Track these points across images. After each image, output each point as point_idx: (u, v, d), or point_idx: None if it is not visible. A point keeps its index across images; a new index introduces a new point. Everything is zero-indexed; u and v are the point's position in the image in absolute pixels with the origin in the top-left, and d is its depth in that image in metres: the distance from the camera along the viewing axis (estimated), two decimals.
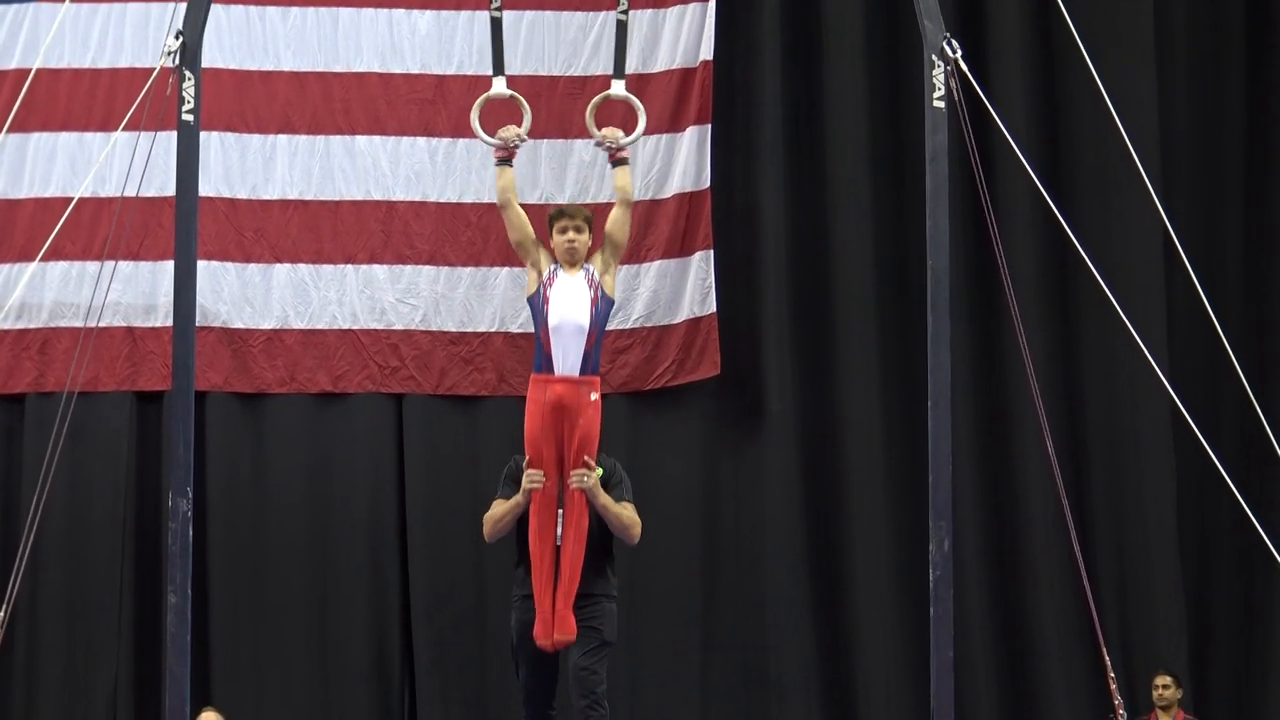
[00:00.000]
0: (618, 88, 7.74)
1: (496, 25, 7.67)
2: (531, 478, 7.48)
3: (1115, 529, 11.38)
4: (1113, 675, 7.43)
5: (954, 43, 7.28)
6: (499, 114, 7.55)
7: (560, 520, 7.46)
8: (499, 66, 7.64)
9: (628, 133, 7.64)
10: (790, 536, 11.20)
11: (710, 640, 11.17)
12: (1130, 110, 10.05)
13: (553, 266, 7.46)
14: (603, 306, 7.46)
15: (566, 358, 7.40)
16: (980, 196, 7.84)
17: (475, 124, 7.54)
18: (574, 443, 7.43)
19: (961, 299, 10.85)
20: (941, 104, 7.20)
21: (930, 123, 7.20)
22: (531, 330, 8.05)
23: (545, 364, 7.42)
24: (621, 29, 7.77)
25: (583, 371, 7.40)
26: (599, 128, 7.59)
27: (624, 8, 7.83)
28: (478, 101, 7.57)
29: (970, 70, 7.34)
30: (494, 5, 7.65)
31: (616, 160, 7.62)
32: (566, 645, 7.48)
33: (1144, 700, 10.95)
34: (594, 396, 7.45)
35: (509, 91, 7.58)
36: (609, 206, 7.56)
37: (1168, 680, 10.77)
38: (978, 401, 11.32)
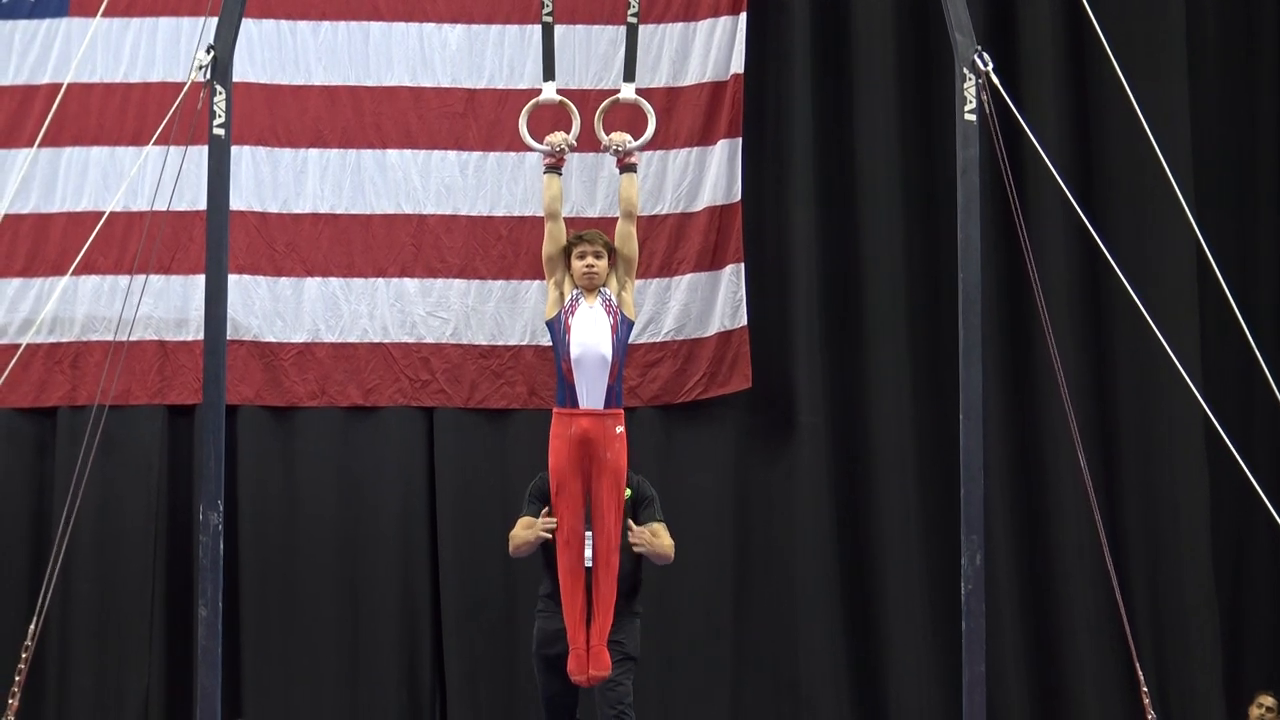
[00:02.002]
0: (628, 91, 7.72)
1: (548, 30, 7.67)
2: (546, 527, 7.50)
3: (1148, 541, 11.33)
4: (1146, 689, 7.40)
5: (985, 55, 7.27)
6: (545, 123, 7.54)
7: (589, 553, 7.46)
8: (549, 72, 7.63)
9: (636, 138, 7.61)
10: (822, 550, 11.17)
11: (741, 653, 11.15)
12: (1162, 121, 10.03)
13: (574, 292, 7.45)
14: (623, 332, 7.44)
15: (591, 391, 7.39)
16: (1012, 209, 7.82)
17: (524, 130, 7.53)
18: (603, 479, 7.41)
19: (993, 311, 10.83)
20: (973, 117, 7.20)
21: (961, 135, 7.19)
22: None
23: (569, 398, 7.40)
24: (631, 32, 7.75)
25: (607, 405, 7.39)
26: (608, 133, 7.58)
27: (634, 10, 7.82)
28: (526, 107, 7.56)
29: (1001, 83, 7.33)
30: (546, 11, 7.65)
31: (624, 166, 7.59)
32: (601, 680, 7.49)
33: (1176, 712, 10.92)
34: (619, 430, 7.43)
35: (559, 97, 7.56)
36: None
37: (1271, 701, 10.62)
38: (1010, 414, 11.29)
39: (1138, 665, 7.49)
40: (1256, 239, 11.67)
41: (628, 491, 7.57)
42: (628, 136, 7.60)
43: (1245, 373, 10.48)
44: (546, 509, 7.74)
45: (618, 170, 7.61)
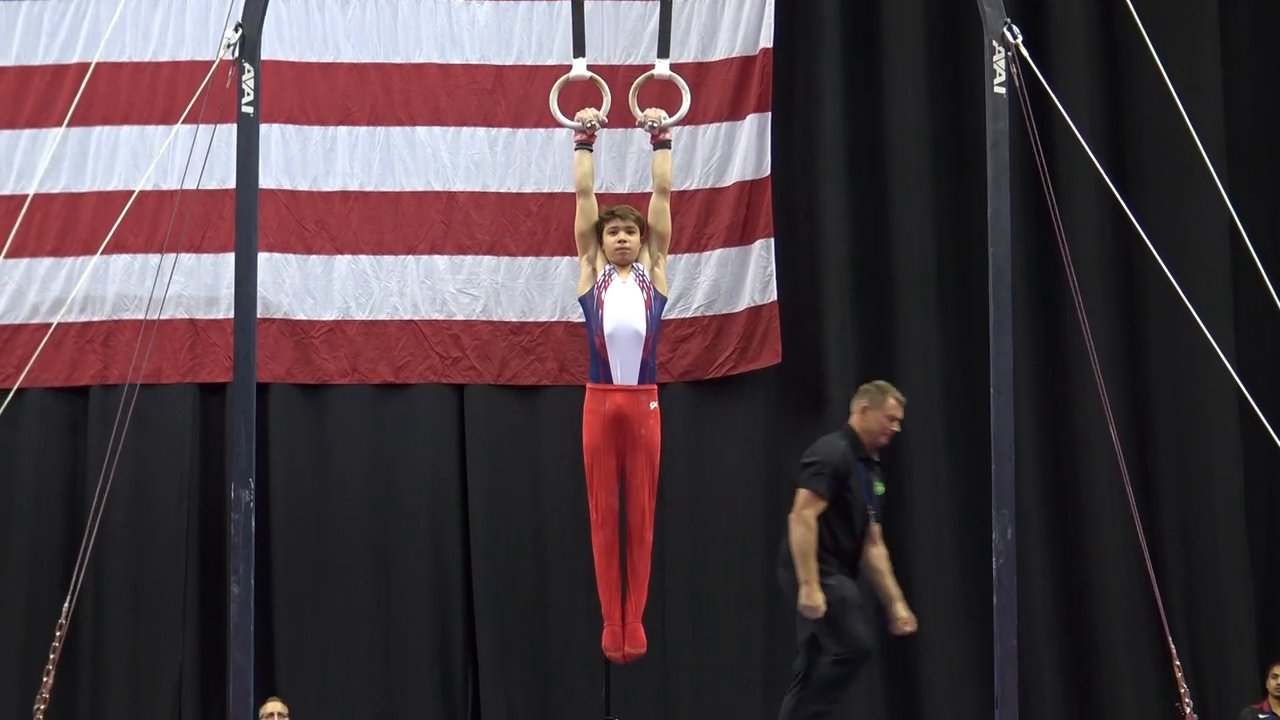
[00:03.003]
0: (662, 67, 7.68)
1: (578, 6, 7.64)
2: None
3: (1181, 517, 11.31)
4: (1178, 663, 7.37)
5: (1015, 28, 7.24)
6: (574, 99, 7.52)
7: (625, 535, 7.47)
8: (580, 48, 7.59)
9: (671, 114, 7.59)
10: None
11: (772, 629, 11.13)
12: (1195, 95, 10.00)
13: (607, 268, 7.43)
14: (656, 307, 7.42)
15: (624, 367, 7.37)
16: (1042, 183, 7.79)
17: (554, 107, 7.51)
18: (638, 456, 7.40)
19: (1024, 286, 10.78)
20: (1002, 90, 7.17)
21: (991, 109, 7.16)
22: None
23: (602, 373, 7.39)
24: (665, 7, 7.72)
25: (640, 380, 7.37)
26: (643, 109, 7.55)
27: None
28: (557, 83, 7.53)
29: (1031, 56, 7.29)
30: None
31: (658, 142, 7.57)
32: (637, 658, 7.51)
33: (1210, 688, 10.90)
34: (653, 405, 7.43)
35: (589, 74, 7.53)
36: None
37: None
38: (1040, 389, 11.27)
39: (1171, 642, 7.46)
40: None
41: None
42: (662, 113, 7.58)
43: (1279, 347, 10.45)
44: None
45: (651, 146, 7.59)
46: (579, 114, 7.49)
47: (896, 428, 8.44)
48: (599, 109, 7.49)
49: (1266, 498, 11.35)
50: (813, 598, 8.15)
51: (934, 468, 11.20)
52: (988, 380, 7.15)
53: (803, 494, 8.23)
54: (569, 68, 7.62)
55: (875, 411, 8.37)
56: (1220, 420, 11.18)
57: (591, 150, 7.54)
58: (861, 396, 8.41)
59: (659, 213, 7.49)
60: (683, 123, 8.11)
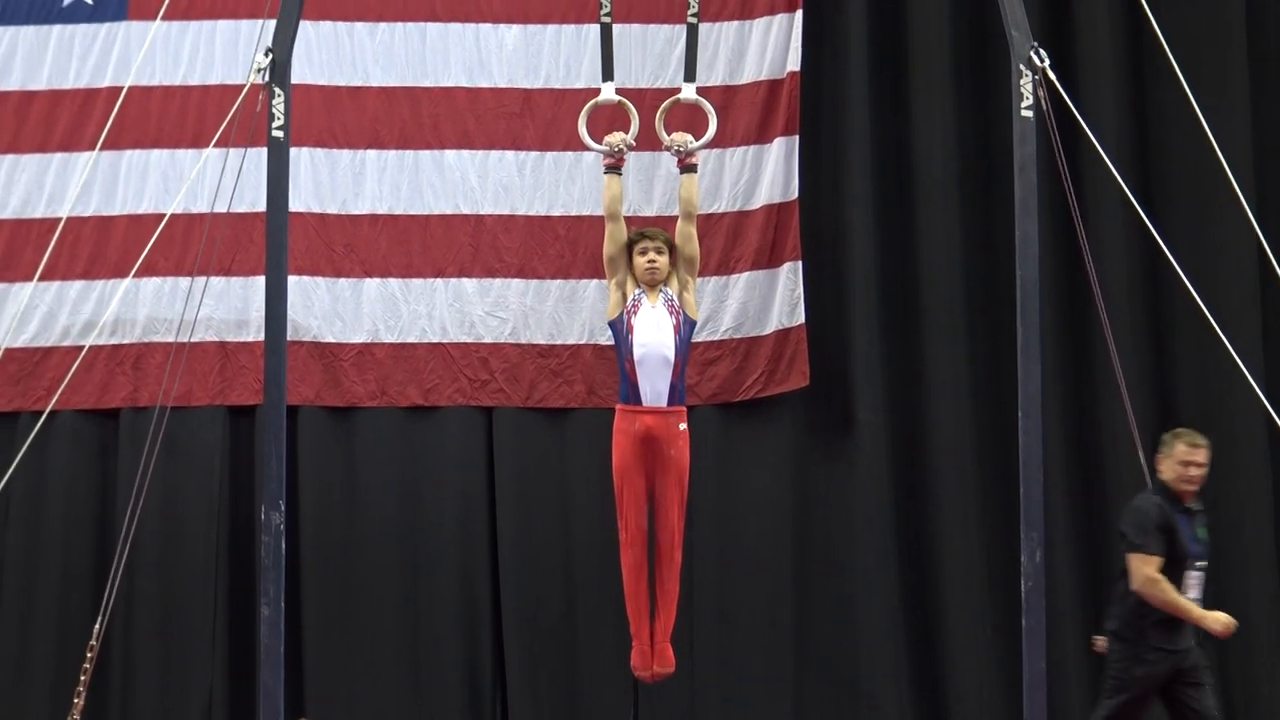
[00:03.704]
0: (688, 91, 7.73)
1: (606, 31, 7.69)
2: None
3: (1211, 539, 11.25)
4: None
5: (1041, 52, 7.27)
6: (602, 123, 7.55)
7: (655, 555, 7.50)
8: (608, 72, 7.64)
9: (698, 138, 7.62)
10: (881, 547, 11.15)
11: (802, 650, 11.14)
12: (1222, 118, 9.98)
13: (636, 292, 7.46)
14: (685, 331, 7.46)
15: (654, 389, 7.41)
16: (1069, 206, 7.80)
17: (583, 131, 7.54)
18: (668, 476, 7.43)
19: (1051, 309, 10.79)
20: (1029, 113, 7.19)
21: (1018, 132, 7.19)
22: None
23: (632, 394, 7.43)
24: (692, 32, 7.76)
25: (670, 402, 7.41)
26: (669, 133, 7.58)
27: (694, 10, 7.84)
28: (585, 107, 7.57)
29: (1058, 79, 7.31)
30: (604, 11, 7.66)
31: (685, 166, 7.62)
32: (665, 678, 7.53)
33: (1239, 710, 10.86)
34: (682, 427, 7.46)
35: (618, 98, 7.57)
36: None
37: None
38: (1069, 412, 11.25)
39: None
40: None
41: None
42: (689, 137, 7.62)
43: None
44: None
45: (678, 170, 7.62)
46: (607, 138, 7.54)
47: (1197, 471, 8.29)
48: (626, 132, 7.53)
49: None
50: (1215, 617, 8.03)
51: (962, 490, 11.19)
52: (1016, 402, 7.16)
53: (1134, 558, 8.11)
54: (597, 91, 7.67)
55: (1168, 460, 8.27)
56: (1248, 440, 11.14)
57: (620, 174, 7.58)
58: (1159, 448, 8.29)
59: (686, 237, 7.53)
60: (710, 146, 8.14)
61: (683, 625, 10.95)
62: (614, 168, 7.56)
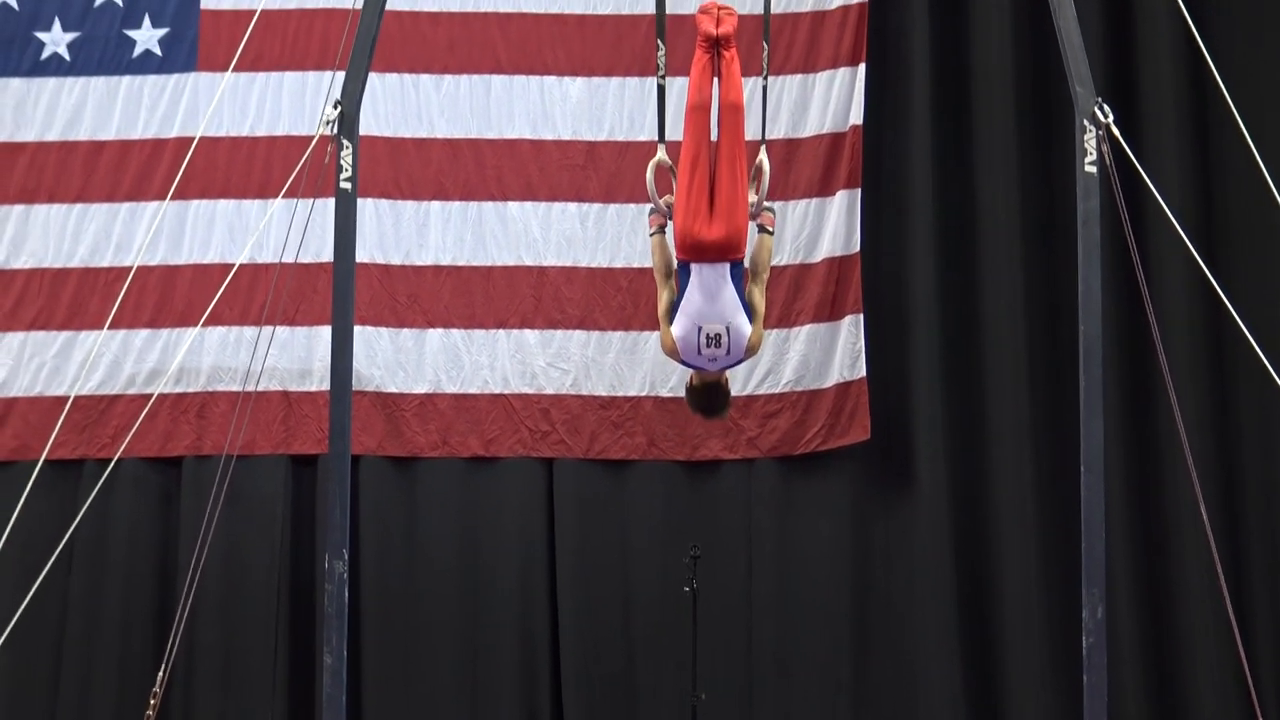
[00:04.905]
0: (760, 152, 7.77)
1: (661, 93, 7.73)
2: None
3: (1273, 595, 11.19)
4: None
5: (1105, 107, 7.27)
6: (663, 181, 7.58)
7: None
8: (662, 134, 7.69)
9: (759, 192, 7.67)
10: (941, 601, 11.11)
11: (860, 704, 11.09)
12: None
13: None
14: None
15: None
16: (1132, 259, 7.79)
17: (651, 189, 7.58)
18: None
19: (1114, 363, 10.75)
20: (1093, 168, 7.20)
21: (1082, 187, 7.19)
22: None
23: None
24: (764, 92, 7.80)
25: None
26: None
27: (765, 71, 7.90)
28: (650, 166, 7.62)
29: (1122, 133, 7.31)
30: (660, 74, 7.71)
31: (760, 227, 7.68)
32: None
33: None
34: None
35: (668, 161, 7.63)
36: None
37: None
38: (1130, 466, 11.19)
39: (1260, 718, 7.42)
40: None
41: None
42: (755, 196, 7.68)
43: None
44: None
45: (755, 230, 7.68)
46: (664, 198, 7.59)
47: None
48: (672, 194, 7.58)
49: None
50: None
51: (1023, 545, 11.13)
52: (1078, 456, 7.15)
53: None
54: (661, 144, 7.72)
55: None
56: None
57: (664, 233, 7.64)
58: None
59: (751, 296, 7.55)
60: (772, 198, 8.16)
61: (741, 678, 11.02)
62: (663, 228, 7.63)
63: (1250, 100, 10.12)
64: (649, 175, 7.63)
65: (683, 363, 7.59)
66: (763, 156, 7.71)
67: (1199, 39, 8.54)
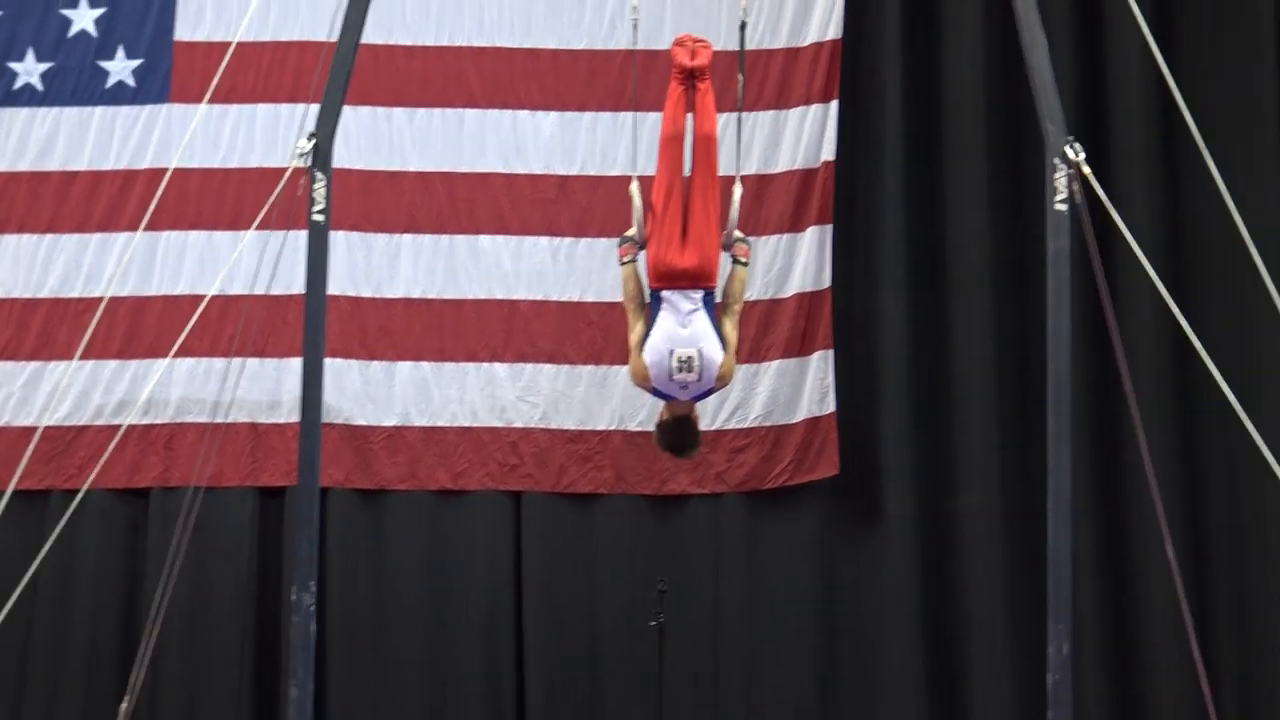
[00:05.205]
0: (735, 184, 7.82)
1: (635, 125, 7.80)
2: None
3: (1239, 632, 11.21)
4: None
5: (1076, 146, 7.30)
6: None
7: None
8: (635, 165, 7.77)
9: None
10: (908, 637, 11.12)
11: None
12: (1256, 210, 9.99)
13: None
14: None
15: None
16: (1102, 299, 7.82)
17: (637, 203, 7.63)
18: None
19: (1082, 400, 10.76)
20: (1064, 207, 7.24)
21: (1052, 225, 7.23)
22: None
23: None
24: (739, 124, 7.86)
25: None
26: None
27: (740, 102, 7.96)
28: (634, 186, 7.68)
29: (1093, 172, 7.35)
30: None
31: (734, 259, 7.73)
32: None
33: None
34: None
35: (637, 201, 7.69)
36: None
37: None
38: (1098, 504, 11.22)
39: None
40: None
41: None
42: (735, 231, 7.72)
43: None
44: None
45: (731, 261, 7.71)
46: (632, 230, 7.64)
47: None
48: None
49: None
50: None
51: (990, 580, 11.15)
52: (1045, 493, 7.16)
53: None
54: (631, 178, 7.75)
55: None
56: (1278, 535, 11.10)
57: (636, 262, 7.69)
58: None
59: (723, 326, 7.57)
60: (743, 232, 8.19)
61: (708, 712, 11.01)
62: (634, 260, 7.68)
63: (1220, 139, 10.16)
64: (634, 191, 7.67)
65: (653, 391, 7.60)
66: (737, 186, 7.76)
67: (1169, 78, 8.58)
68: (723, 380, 7.56)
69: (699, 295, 7.48)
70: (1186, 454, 11.28)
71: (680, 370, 7.41)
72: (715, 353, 7.45)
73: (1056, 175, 7.31)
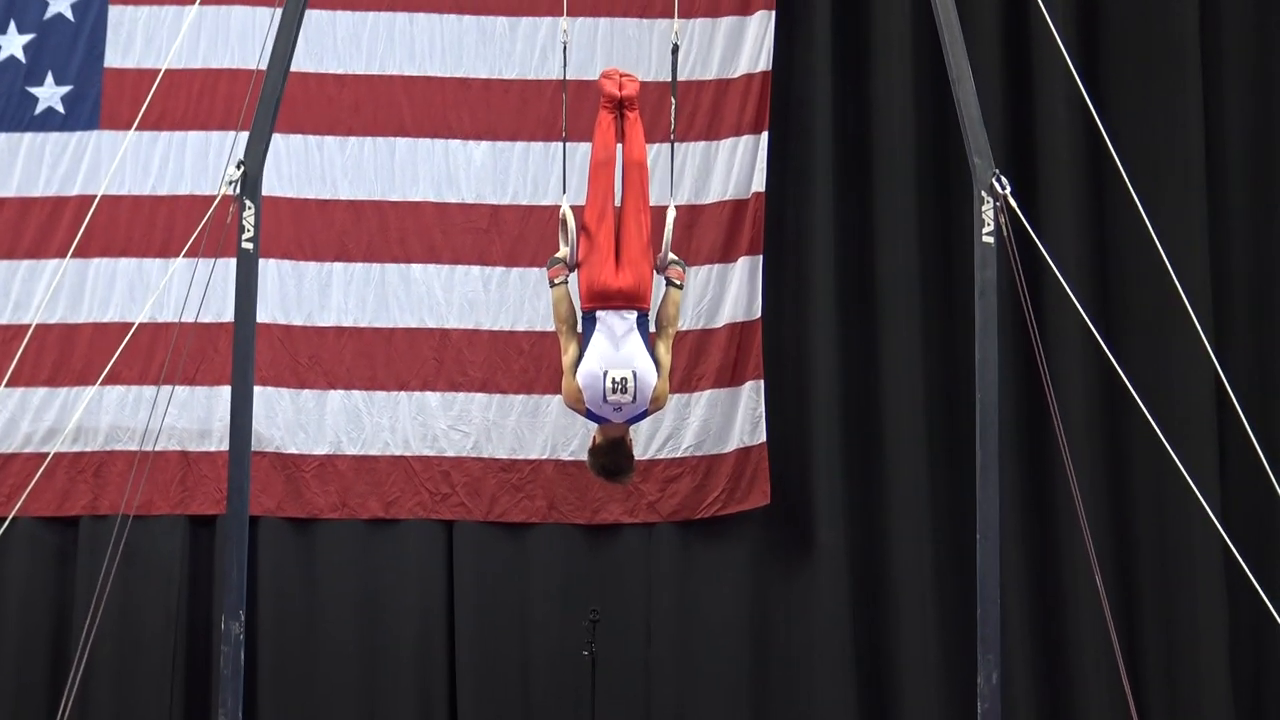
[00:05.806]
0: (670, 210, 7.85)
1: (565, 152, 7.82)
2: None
3: (1167, 664, 11.27)
4: None
5: (1003, 179, 7.35)
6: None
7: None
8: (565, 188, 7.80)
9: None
10: (839, 666, 11.14)
11: None
12: (1180, 245, 10.10)
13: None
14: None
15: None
16: (1030, 330, 7.87)
17: (571, 226, 7.65)
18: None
19: (1011, 432, 10.83)
20: (991, 239, 7.28)
21: (979, 257, 7.27)
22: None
23: None
24: (671, 153, 7.90)
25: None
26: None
27: (673, 129, 8.00)
28: (565, 209, 7.71)
29: (1020, 204, 7.40)
30: (564, 134, 7.82)
31: (667, 281, 7.76)
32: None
33: None
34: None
35: (568, 221, 7.72)
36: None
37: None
38: (1027, 535, 11.27)
39: None
40: (1275, 365, 11.58)
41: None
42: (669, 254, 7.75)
43: (1264, 501, 10.48)
44: None
45: (664, 283, 7.74)
46: (562, 251, 7.67)
47: None
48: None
49: (1252, 648, 11.30)
50: None
51: (921, 610, 11.18)
52: (975, 523, 7.20)
53: None
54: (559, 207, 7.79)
55: None
56: (1205, 569, 11.14)
57: (567, 283, 7.72)
58: None
59: (657, 350, 7.59)
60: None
61: None
62: (565, 281, 7.71)
63: (1145, 173, 10.27)
64: (566, 214, 7.69)
65: (586, 413, 7.59)
66: (671, 209, 7.78)
67: (1095, 113, 8.65)
68: (656, 403, 7.55)
69: (633, 316, 7.48)
70: (1115, 481, 11.36)
71: (614, 391, 7.40)
72: (650, 374, 7.44)
73: (984, 208, 7.35)
